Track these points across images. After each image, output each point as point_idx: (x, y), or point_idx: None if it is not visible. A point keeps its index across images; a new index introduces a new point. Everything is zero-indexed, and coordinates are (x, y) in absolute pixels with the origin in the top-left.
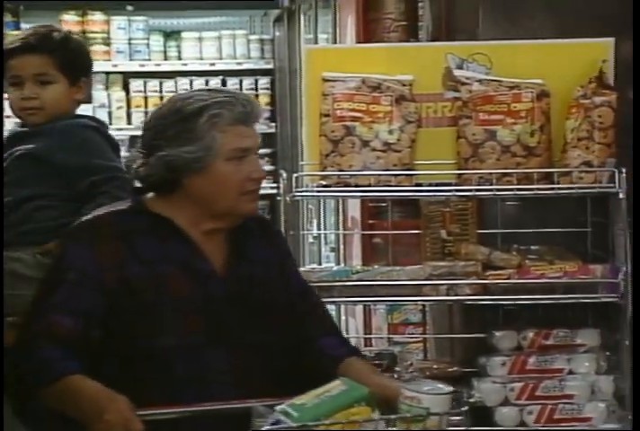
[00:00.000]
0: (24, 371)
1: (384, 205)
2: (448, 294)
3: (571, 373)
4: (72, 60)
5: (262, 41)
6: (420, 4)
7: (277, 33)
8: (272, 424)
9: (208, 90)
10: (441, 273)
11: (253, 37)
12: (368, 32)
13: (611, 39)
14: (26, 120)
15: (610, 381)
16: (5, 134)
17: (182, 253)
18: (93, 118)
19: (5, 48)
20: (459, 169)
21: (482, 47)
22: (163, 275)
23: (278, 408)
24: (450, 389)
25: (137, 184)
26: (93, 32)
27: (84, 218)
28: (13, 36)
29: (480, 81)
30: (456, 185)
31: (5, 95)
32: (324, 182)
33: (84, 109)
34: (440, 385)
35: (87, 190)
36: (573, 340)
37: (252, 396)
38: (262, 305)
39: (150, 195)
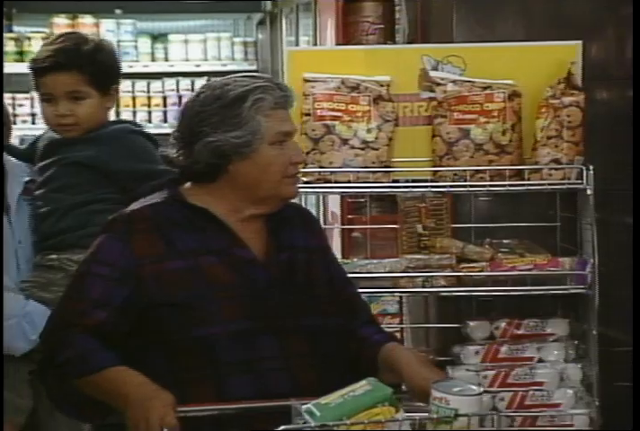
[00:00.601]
0: (62, 360)
1: (362, 200)
2: (423, 286)
3: (541, 361)
4: (103, 73)
5: (245, 44)
6: (397, 8)
7: (260, 36)
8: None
9: (244, 76)
10: (417, 266)
11: (237, 39)
12: (347, 35)
13: (579, 42)
14: (63, 135)
15: (578, 368)
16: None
17: (221, 243)
18: (132, 123)
19: (36, 66)
20: (434, 166)
21: (456, 49)
22: (203, 265)
23: (304, 407)
24: (481, 390)
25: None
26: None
27: (120, 212)
28: (6, 39)
29: (454, 82)
30: (431, 181)
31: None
32: (305, 179)
33: None
34: (473, 386)
35: (149, 193)
36: (543, 330)
37: (298, 381)
38: (305, 291)
39: (187, 185)
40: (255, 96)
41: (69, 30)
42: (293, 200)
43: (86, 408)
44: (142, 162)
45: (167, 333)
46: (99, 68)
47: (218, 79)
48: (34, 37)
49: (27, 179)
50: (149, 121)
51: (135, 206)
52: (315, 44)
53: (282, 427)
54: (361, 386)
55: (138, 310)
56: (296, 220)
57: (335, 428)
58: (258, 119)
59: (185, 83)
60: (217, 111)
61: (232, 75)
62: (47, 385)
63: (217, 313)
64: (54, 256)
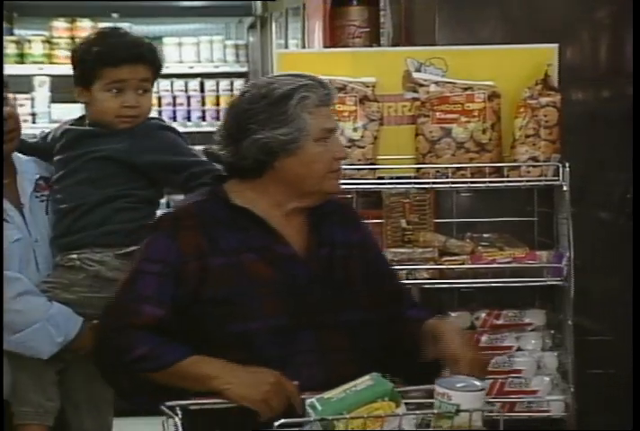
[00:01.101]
0: (134, 358)
1: (349, 196)
2: (407, 279)
3: (519, 349)
4: (160, 69)
5: (237, 46)
6: (382, 13)
7: (250, 39)
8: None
9: (288, 75)
10: (401, 259)
11: (228, 42)
12: (334, 38)
13: (555, 45)
14: (115, 127)
15: (554, 357)
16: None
17: (262, 240)
18: (160, 119)
19: (111, 56)
20: (418, 163)
21: (438, 52)
22: (245, 262)
23: (308, 401)
24: (484, 385)
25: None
26: (81, 38)
27: (166, 210)
28: (7, 42)
29: (437, 83)
30: (415, 178)
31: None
32: None
33: (77, 108)
34: (476, 382)
35: (185, 183)
36: (522, 320)
37: (336, 376)
38: (346, 286)
39: (231, 181)
40: (300, 94)
41: (68, 33)
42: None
43: (159, 395)
44: (175, 155)
45: (208, 329)
46: (160, 64)
47: (262, 78)
48: (34, 40)
49: (37, 176)
50: None
51: (180, 203)
52: (304, 47)
53: (281, 421)
54: (363, 381)
55: (184, 306)
56: (336, 215)
57: (335, 422)
58: (303, 117)
59: (179, 83)
60: (264, 109)
61: (275, 74)
62: (113, 381)
63: (257, 309)
64: (74, 256)
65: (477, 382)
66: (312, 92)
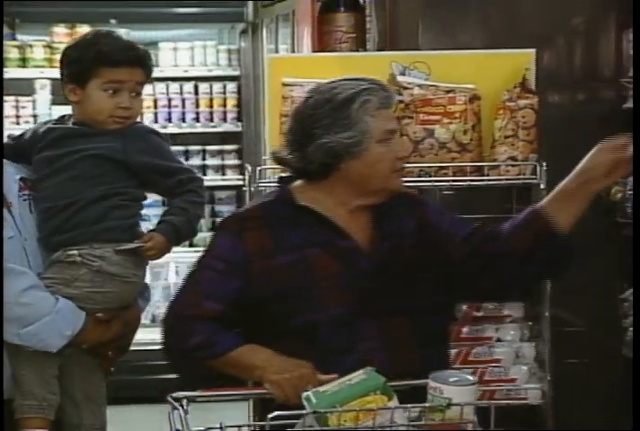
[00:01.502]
0: (191, 346)
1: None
2: None
3: (499, 340)
4: (151, 74)
5: (229, 51)
6: (367, 19)
7: (242, 44)
8: None
9: (350, 79)
10: None
11: (221, 47)
12: (322, 43)
13: (533, 50)
14: (107, 126)
15: (532, 347)
16: (39, 126)
17: (325, 236)
18: (143, 124)
19: (112, 57)
20: None
21: (422, 56)
22: (308, 257)
23: (304, 394)
24: (475, 379)
25: (285, 174)
26: None
27: (236, 210)
28: (10, 46)
29: (420, 86)
30: None
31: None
32: (283, 174)
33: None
34: (469, 377)
35: (172, 188)
36: (501, 312)
37: (397, 362)
38: (408, 275)
39: (297, 183)
40: (362, 98)
41: (68, 38)
42: None
43: (213, 380)
44: (163, 159)
45: (274, 322)
46: (152, 70)
47: (324, 83)
48: (36, 45)
49: (18, 176)
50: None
51: (249, 205)
52: (294, 51)
53: (275, 413)
54: (357, 375)
55: (248, 302)
56: (402, 207)
57: (327, 415)
58: (366, 120)
59: (174, 86)
60: (327, 114)
61: (337, 79)
62: (175, 368)
63: (321, 301)
64: (74, 252)
65: (470, 377)
66: (373, 95)
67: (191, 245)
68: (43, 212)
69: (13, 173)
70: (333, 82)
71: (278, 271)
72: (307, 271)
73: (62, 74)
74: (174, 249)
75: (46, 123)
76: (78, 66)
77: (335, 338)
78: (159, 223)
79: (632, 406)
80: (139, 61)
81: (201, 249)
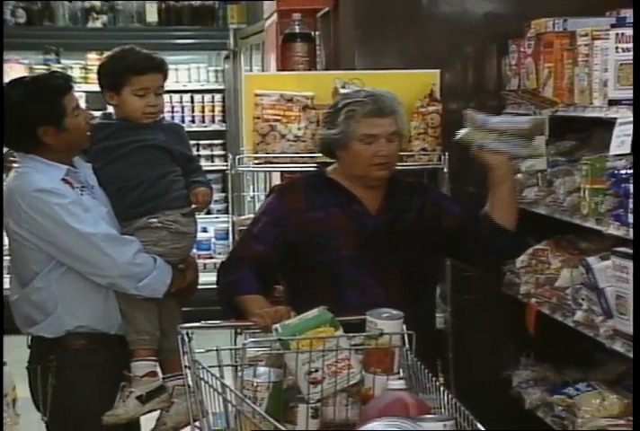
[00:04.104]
0: (226, 282)
1: (296, 176)
2: None
3: None
4: (167, 75)
5: (216, 71)
6: (317, 47)
7: (226, 66)
8: None
9: (359, 91)
10: None
11: (211, 68)
12: (284, 65)
13: (437, 71)
14: (142, 120)
15: (438, 287)
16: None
17: (344, 200)
18: (172, 121)
19: (138, 67)
20: None
21: (357, 74)
22: (331, 214)
23: (274, 326)
24: (401, 314)
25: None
26: None
27: (285, 181)
28: (55, 68)
29: None
30: None
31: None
32: (256, 161)
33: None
34: (395, 312)
35: (192, 171)
36: None
37: (391, 294)
38: (403, 236)
39: (333, 165)
40: (351, 107)
41: (98, 62)
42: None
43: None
44: (188, 149)
45: (302, 260)
46: (167, 72)
47: (348, 91)
48: (74, 67)
49: (88, 164)
50: None
51: (294, 177)
52: (263, 71)
53: (249, 340)
54: (312, 312)
55: (286, 245)
56: (409, 189)
57: (289, 342)
58: (350, 123)
59: (176, 97)
60: (329, 114)
61: (357, 89)
62: (218, 300)
63: (337, 245)
64: (155, 219)
65: (397, 313)
66: (360, 106)
67: None
68: (115, 192)
69: (83, 161)
70: (348, 92)
71: (308, 223)
72: (329, 224)
73: (101, 86)
74: None
75: (93, 119)
76: (113, 77)
77: (346, 273)
78: (192, 183)
79: (632, 406)
80: (158, 68)
81: None
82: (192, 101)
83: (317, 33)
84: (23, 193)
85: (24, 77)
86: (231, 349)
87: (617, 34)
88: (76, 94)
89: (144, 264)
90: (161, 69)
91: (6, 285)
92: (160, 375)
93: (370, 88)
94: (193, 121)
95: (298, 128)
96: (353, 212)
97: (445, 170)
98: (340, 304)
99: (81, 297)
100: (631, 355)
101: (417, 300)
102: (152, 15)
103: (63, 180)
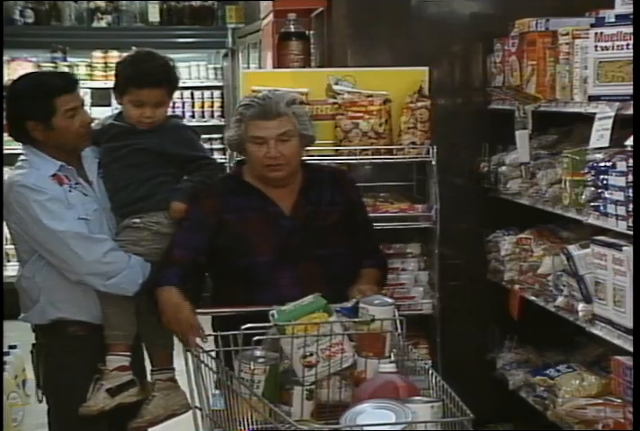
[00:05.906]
0: (157, 278)
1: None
2: None
3: (403, 270)
4: (176, 85)
5: (215, 68)
6: (312, 46)
7: (225, 63)
8: None
9: (255, 95)
10: None
11: (210, 65)
12: (280, 62)
13: (426, 68)
14: (142, 126)
15: (426, 274)
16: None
17: (258, 203)
18: (177, 116)
19: (135, 82)
20: (336, 146)
21: (350, 71)
22: (247, 218)
23: (271, 311)
24: (392, 301)
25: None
26: (112, 63)
27: (204, 186)
28: (62, 66)
29: (348, 92)
30: (334, 156)
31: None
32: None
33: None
34: (388, 299)
35: (192, 170)
36: (405, 250)
37: (308, 293)
38: (322, 232)
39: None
40: (241, 110)
41: (103, 60)
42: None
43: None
44: (191, 150)
45: (225, 262)
46: (175, 83)
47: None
48: (80, 64)
49: (97, 159)
50: None
51: (210, 183)
52: (260, 68)
53: (247, 325)
54: (307, 299)
55: (207, 249)
56: (327, 181)
57: (285, 327)
58: (241, 126)
59: (176, 94)
60: (234, 115)
61: (258, 94)
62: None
63: (255, 250)
64: (137, 220)
65: (389, 300)
66: (248, 109)
67: None
68: (110, 190)
69: (93, 157)
70: (257, 93)
71: (225, 226)
72: (244, 229)
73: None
74: None
75: (109, 118)
76: (117, 82)
77: (266, 275)
78: (184, 181)
79: (632, 406)
80: (158, 83)
81: None
82: (192, 98)
83: (312, 32)
84: (11, 186)
85: (32, 72)
86: (230, 334)
87: (597, 33)
88: (81, 92)
89: (114, 263)
90: (161, 85)
91: (6, 272)
92: (148, 370)
93: (273, 90)
94: (193, 116)
95: None
96: (268, 215)
97: (433, 162)
98: (256, 305)
99: (61, 289)
100: (608, 338)
101: (337, 295)
102: (154, 15)
103: (54, 175)
